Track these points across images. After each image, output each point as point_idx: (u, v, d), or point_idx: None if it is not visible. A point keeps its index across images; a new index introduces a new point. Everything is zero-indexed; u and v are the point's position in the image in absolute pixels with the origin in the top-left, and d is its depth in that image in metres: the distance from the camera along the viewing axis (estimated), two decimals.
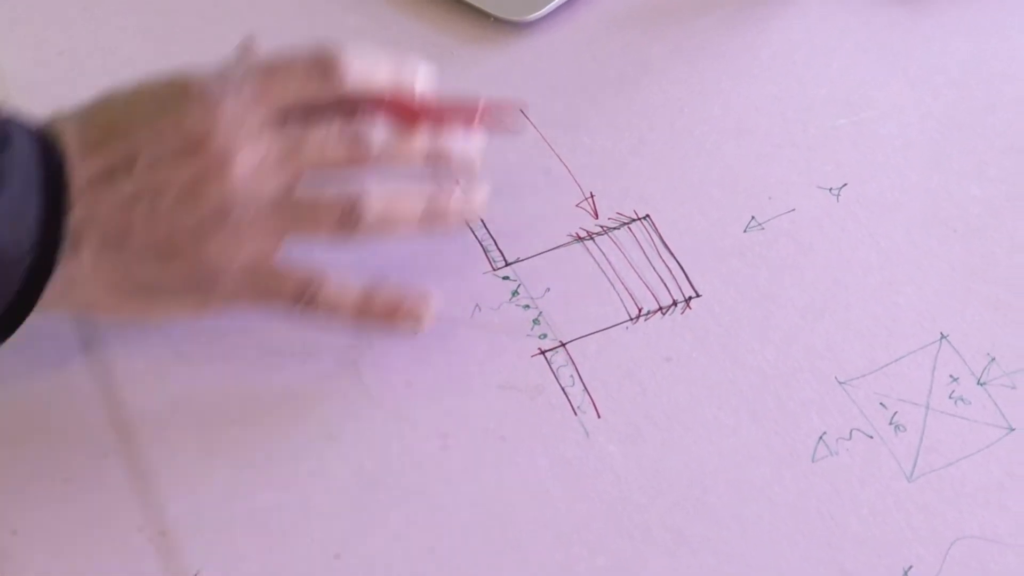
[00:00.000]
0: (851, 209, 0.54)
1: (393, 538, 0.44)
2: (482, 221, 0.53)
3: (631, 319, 0.50)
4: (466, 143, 0.49)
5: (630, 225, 0.53)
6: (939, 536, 0.44)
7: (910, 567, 0.43)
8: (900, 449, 0.46)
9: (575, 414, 0.47)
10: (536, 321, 0.50)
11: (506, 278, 0.51)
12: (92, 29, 0.62)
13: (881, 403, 0.47)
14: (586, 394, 0.48)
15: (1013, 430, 0.47)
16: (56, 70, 0.60)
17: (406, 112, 0.47)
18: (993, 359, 0.49)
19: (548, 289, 0.51)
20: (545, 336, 0.50)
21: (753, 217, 0.53)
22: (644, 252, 0.52)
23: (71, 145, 0.44)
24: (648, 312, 0.50)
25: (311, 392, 0.48)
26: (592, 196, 0.54)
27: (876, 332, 0.49)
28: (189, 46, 0.61)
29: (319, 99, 0.46)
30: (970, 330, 0.50)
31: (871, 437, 0.46)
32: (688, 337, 0.49)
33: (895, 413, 0.47)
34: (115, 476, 0.46)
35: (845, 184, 0.55)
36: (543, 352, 0.49)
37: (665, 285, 0.51)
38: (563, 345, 0.49)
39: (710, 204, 0.54)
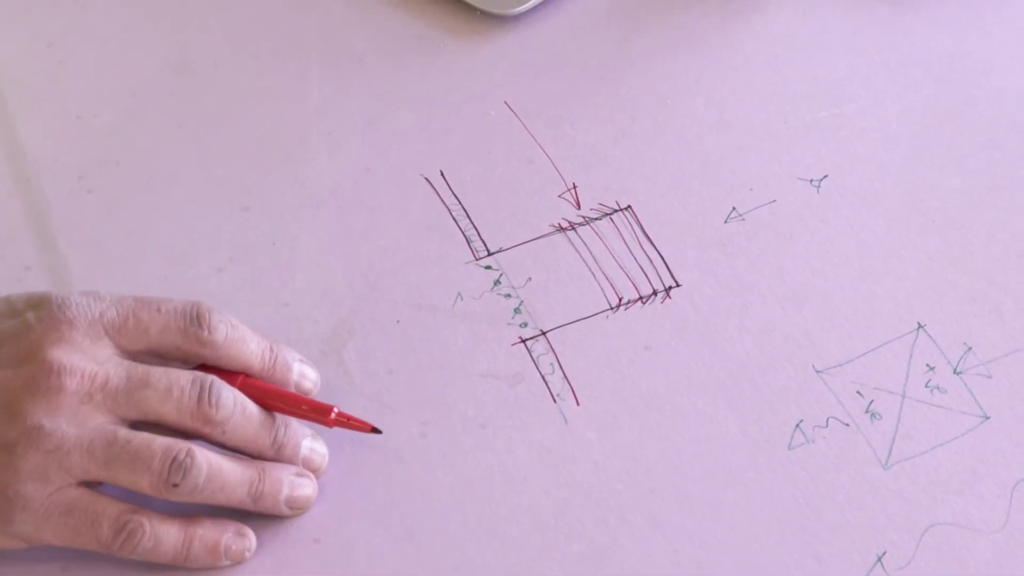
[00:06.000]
0: (831, 200, 0.54)
1: (372, 524, 0.44)
2: (465, 211, 0.54)
3: (611, 308, 0.51)
4: (314, 443, 0.45)
5: (612, 216, 0.54)
6: (913, 523, 0.44)
7: (884, 553, 0.44)
8: (876, 437, 0.47)
9: (554, 402, 0.48)
10: (517, 310, 0.50)
11: (488, 267, 0.52)
12: (82, 20, 0.62)
13: (858, 391, 0.48)
14: (566, 382, 0.48)
15: (988, 418, 0.47)
16: (46, 61, 0.61)
17: (263, 394, 0.44)
18: (970, 348, 0.49)
19: (530, 278, 0.51)
20: (526, 325, 0.50)
21: (734, 208, 0.54)
22: (625, 242, 0.53)
23: None
24: (628, 301, 0.51)
25: None
26: (575, 187, 0.55)
27: (854, 322, 0.50)
28: (178, 35, 0.61)
29: (180, 351, 0.43)
30: (947, 320, 0.50)
31: (847, 425, 0.47)
32: (667, 326, 0.50)
33: (871, 401, 0.48)
34: None
35: (826, 176, 0.55)
36: (524, 340, 0.50)
37: (646, 275, 0.52)
38: (544, 334, 0.50)
39: (691, 195, 0.54)
